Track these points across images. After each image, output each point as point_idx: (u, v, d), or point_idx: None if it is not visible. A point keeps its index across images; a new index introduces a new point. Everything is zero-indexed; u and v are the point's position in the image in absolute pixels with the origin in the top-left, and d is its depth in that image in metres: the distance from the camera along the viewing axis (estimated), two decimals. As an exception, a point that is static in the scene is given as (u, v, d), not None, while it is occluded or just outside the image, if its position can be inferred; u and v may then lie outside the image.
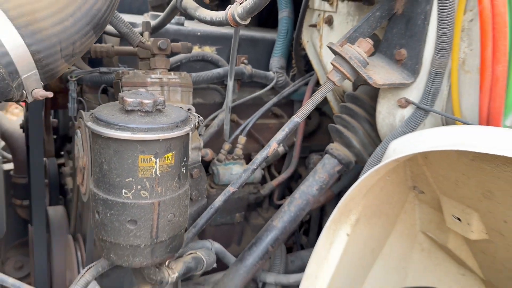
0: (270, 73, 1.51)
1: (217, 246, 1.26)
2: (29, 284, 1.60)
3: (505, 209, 0.88)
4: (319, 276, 1.04)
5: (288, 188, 1.71)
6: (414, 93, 0.97)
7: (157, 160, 0.81)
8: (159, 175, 0.82)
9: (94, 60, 1.37)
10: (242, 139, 1.42)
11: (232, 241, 1.55)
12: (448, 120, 0.96)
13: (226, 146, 1.40)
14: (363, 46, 0.94)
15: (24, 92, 0.73)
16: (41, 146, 1.46)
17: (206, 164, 1.43)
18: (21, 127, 1.88)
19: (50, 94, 0.74)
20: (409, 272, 1.37)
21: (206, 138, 1.39)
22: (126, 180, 0.80)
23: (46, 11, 0.70)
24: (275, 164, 1.67)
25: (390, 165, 0.90)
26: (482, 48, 0.77)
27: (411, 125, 0.96)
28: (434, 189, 1.06)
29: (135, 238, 0.84)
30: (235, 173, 1.42)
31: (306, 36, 1.41)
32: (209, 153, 1.39)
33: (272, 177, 1.62)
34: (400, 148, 0.90)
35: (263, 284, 1.35)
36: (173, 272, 0.97)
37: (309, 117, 1.66)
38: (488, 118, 0.83)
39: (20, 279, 1.91)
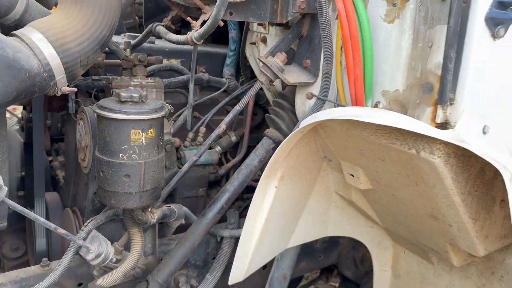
0: (223, 79, 1.95)
1: (184, 209, 1.68)
2: (32, 255, 1.94)
3: (372, 161, 1.35)
4: (257, 218, 1.47)
5: (241, 170, 2.15)
6: (316, 89, 1.44)
7: (143, 134, 1.22)
8: (144, 144, 1.23)
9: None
10: (202, 129, 1.84)
11: (196, 211, 1.95)
12: (339, 105, 1.42)
13: (190, 135, 1.82)
14: (280, 58, 1.40)
15: (56, 88, 1.14)
16: (42, 142, 1.82)
17: (175, 150, 1.84)
18: (21, 127, 2.22)
19: (74, 89, 1.14)
20: (329, 225, 1.82)
21: (174, 129, 1.81)
22: (123, 147, 1.21)
23: (72, 37, 1.11)
24: (230, 151, 2.11)
25: (297, 135, 1.35)
26: (346, 57, 1.24)
27: (314, 110, 1.42)
28: (335, 155, 1.52)
29: (129, 188, 1.25)
30: (197, 156, 1.84)
31: (249, 51, 1.87)
32: (177, 141, 1.80)
33: (228, 161, 2.05)
34: (305, 124, 1.35)
35: (221, 238, 1.77)
36: (154, 215, 1.38)
37: (255, 114, 2.11)
38: (356, 102, 1.30)
39: (16, 258, 2.24)
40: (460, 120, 1.06)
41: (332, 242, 2.21)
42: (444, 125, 1.11)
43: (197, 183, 1.89)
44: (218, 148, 1.95)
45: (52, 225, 1.24)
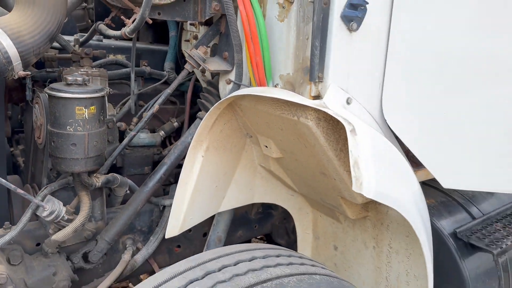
0: (164, 72, 2.26)
1: (129, 181, 1.97)
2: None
3: (275, 132, 1.69)
4: (188, 181, 1.78)
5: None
6: (233, 75, 1.77)
7: (86, 110, 1.52)
8: (87, 118, 1.53)
9: (39, 63, 2.04)
10: (145, 115, 2.14)
11: (143, 187, 2.24)
12: (251, 89, 1.76)
13: (135, 119, 2.12)
14: (202, 50, 1.73)
15: (13, 72, 1.42)
16: (3, 128, 2.06)
17: (122, 133, 2.13)
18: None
19: (28, 73, 1.43)
20: (255, 193, 2.15)
21: (121, 115, 2.10)
22: (69, 120, 1.51)
23: (26, 31, 1.40)
24: (174, 136, 2.41)
25: (215, 110, 1.67)
26: (249, 49, 1.58)
27: (232, 92, 1.76)
28: (253, 131, 1.86)
29: (75, 154, 1.54)
30: (142, 138, 2.14)
31: (184, 47, 2.19)
32: (123, 125, 2.09)
33: (171, 143, 2.36)
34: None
35: (163, 207, 2.07)
36: (98, 180, 1.67)
37: (195, 103, 2.43)
38: (260, 85, 1.64)
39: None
40: (326, 93, 1.42)
41: (265, 214, 2.54)
42: (317, 98, 1.46)
43: (142, 162, 2.18)
44: (161, 132, 2.25)
45: (12, 186, 1.52)
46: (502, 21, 1.60)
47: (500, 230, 2.17)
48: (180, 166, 2.00)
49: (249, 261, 1.39)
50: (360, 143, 1.25)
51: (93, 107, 1.53)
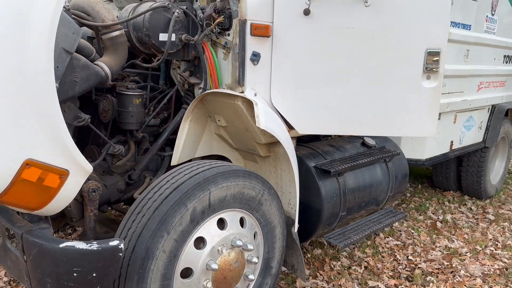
0: (159, 86, 4.08)
1: (147, 141, 3.76)
2: None
3: (224, 111, 3.56)
4: (181, 136, 3.60)
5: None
6: (202, 85, 3.65)
7: (137, 100, 3.33)
8: (138, 104, 3.34)
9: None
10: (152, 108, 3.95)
11: (149, 149, 4.02)
12: (211, 91, 3.64)
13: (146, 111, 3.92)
14: (187, 73, 3.60)
15: (108, 83, 3.19)
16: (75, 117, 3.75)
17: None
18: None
19: (115, 83, 3.20)
20: (213, 148, 4.01)
21: (138, 108, 3.89)
22: (130, 104, 3.31)
23: (113, 64, 3.16)
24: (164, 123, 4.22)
25: (194, 102, 3.53)
26: (210, 72, 3.49)
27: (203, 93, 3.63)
28: (212, 112, 3.73)
29: (132, 120, 3.34)
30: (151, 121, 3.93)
31: (172, 72, 4.04)
32: (140, 113, 3.88)
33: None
34: (196, 98, 3.53)
35: (163, 157, 3.87)
36: (139, 135, 3.47)
37: (176, 103, 4.27)
38: (216, 88, 3.54)
39: None
40: (245, 91, 3.36)
41: (217, 167, 4.39)
42: (242, 93, 3.40)
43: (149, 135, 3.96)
44: (158, 119, 4.05)
45: (102, 135, 3.26)
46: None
47: (338, 163, 4.23)
48: (169, 139, 3.82)
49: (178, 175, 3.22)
50: (259, 108, 3.20)
51: (140, 99, 3.35)
